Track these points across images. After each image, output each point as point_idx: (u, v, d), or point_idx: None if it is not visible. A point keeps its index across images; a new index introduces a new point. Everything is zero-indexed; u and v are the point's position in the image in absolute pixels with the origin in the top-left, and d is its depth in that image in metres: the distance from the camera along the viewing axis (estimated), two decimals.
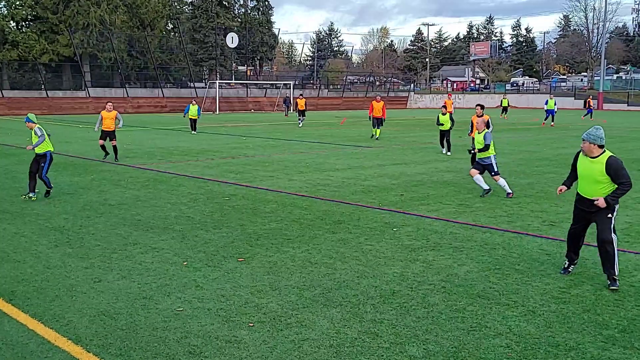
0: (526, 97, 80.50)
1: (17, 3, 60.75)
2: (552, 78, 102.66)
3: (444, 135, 22.23)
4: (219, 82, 62.89)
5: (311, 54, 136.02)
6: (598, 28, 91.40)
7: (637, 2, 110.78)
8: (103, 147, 19.97)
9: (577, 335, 6.07)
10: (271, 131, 34.60)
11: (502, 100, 46.87)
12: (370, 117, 28.85)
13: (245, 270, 8.13)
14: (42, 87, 58.07)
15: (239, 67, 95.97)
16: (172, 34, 79.60)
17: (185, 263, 8.45)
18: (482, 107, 16.41)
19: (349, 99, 73.76)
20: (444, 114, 21.69)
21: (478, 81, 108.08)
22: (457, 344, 5.84)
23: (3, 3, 60.22)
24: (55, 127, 35.87)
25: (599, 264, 8.45)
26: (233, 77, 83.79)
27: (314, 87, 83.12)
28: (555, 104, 39.45)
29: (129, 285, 7.50)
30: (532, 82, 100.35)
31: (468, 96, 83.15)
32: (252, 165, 18.95)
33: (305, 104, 38.03)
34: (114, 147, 19.79)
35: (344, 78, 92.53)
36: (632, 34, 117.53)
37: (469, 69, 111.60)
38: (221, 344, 5.84)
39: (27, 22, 62.93)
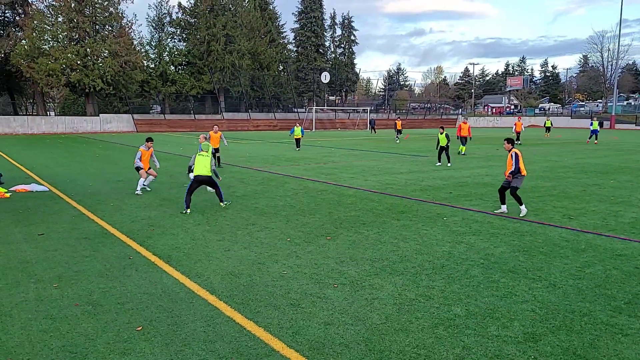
0: (552, 118, 76.35)
1: (176, 53, 63.60)
2: (573, 104, 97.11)
3: (443, 150, 20.19)
4: (315, 108, 63.42)
5: (383, 87, 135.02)
6: (612, 65, 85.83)
7: None
8: None
9: (589, 304, 5.74)
10: (353, 144, 34.56)
11: (545, 122, 44.21)
12: (458, 136, 25.86)
13: (332, 246, 8.17)
14: (191, 112, 60.57)
15: (330, 97, 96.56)
16: (282, 73, 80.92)
17: (289, 239, 8.59)
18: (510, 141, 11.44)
19: (411, 120, 72.50)
20: (441, 134, 20.25)
21: (512, 106, 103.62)
22: (492, 307, 5.65)
23: (166, 53, 63.10)
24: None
25: (609, 249, 7.95)
26: (325, 104, 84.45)
27: (385, 111, 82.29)
28: (598, 125, 35.70)
29: (249, 254, 7.70)
30: (556, 107, 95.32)
31: (504, 118, 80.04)
32: (338, 169, 19.00)
33: (400, 126, 36.02)
34: (218, 157, 19.31)
35: (408, 105, 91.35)
36: None
37: (506, 97, 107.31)
38: (313, 298, 5.90)
39: (182, 66, 65.75)
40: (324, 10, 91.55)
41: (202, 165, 10.91)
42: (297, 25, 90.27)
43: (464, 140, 25.63)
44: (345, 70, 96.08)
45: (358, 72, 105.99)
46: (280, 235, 8.87)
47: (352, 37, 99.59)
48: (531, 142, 35.54)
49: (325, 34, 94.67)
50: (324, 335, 4.97)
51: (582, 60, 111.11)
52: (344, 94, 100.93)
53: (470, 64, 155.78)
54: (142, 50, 61.10)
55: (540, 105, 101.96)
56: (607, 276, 6.70)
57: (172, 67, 63.48)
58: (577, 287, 6.29)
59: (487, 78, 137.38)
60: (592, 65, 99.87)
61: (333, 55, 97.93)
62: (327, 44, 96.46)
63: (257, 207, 11.46)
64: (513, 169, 10.52)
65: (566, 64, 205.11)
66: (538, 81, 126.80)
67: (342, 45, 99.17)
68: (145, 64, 61.15)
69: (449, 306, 5.67)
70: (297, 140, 28.90)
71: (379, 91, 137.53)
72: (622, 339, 4.88)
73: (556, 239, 8.60)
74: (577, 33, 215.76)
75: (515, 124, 34.27)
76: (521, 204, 10.60)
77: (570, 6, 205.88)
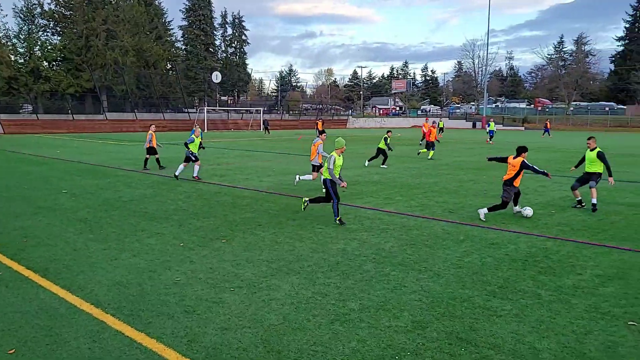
0: (431, 120, 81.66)
1: (49, 47, 58.70)
2: (450, 106, 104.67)
3: (380, 152, 20.81)
4: (206, 108, 61.98)
5: (276, 88, 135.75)
6: (482, 70, 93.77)
7: (509, 53, 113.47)
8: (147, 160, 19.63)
9: (469, 290, 6.22)
10: (247, 145, 34.32)
11: (438, 123, 46.89)
12: (427, 141, 24.84)
13: (227, 249, 8.05)
14: (69, 112, 56.18)
15: (222, 97, 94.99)
16: (171, 71, 77.98)
17: (182, 244, 8.32)
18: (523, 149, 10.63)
19: (304, 121, 73.57)
20: (389, 137, 20.87)
21: (398, 108, 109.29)
22: (384, 300, 5.92)
23: (38, 48, 58.03)
24: (80, 142, 34.76)
25: (484, 239, 8.68)
26: (217, 104, 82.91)
27: (278, 112, 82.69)
28: (494, 126, 38.65)
29: (138, 262, 7.34)
30: (436, 109, 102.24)
31: (391, 119, 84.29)
32: (232, 170, 18.76)
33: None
34: (157, 159, 19.42)
35: (300, 105, 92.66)
36: (505, 75, 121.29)
37: (391, 99, 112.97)
38: (209, 304, 5.77)
39: (57, 62, 60.81)
40: (213, 9, 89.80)
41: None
42: (185, 23, 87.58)
43: (431, 144, 24.68)
44: (237, 70, 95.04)
45: (250, 72, 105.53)
46: (173, 240, 8.56)
47: (244, 37, 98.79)
48: (416, 143, 37.65)
49: (215, 32, 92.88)
50: (221, 340, 4.89)
51: (457, 66, 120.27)
52: (236, 94, 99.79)
53: (359, 67, 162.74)
54: (9, 43, 55.59)
55: (422, 107, 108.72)
56: (482, 264, 7.32)
57: (45, 63, 58.48)
58: (458, 275, 6.81)
59: (375, 81, 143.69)
60: (466, 71, 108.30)
61: (224, 55, 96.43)
62: (217, 43, 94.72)
63: (147, 212, 10.96)
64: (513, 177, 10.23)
65: (444, 69, 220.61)
66: (420, 84, 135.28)
67: (234, 45, 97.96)
68: (13, 59, 55.72)
69: (344, 301, 5.85)
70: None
71: (272, 92, 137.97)
72: (497, 320, 5.37)
73: (439, 232, 9.22)
74: (453, 41, 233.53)
75: (423, 125, 35.41)
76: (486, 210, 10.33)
77: (446, 15, 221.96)
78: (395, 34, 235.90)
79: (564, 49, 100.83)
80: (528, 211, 10.55)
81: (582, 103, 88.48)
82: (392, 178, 16.66)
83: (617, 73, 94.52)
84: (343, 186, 9.87)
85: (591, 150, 11.55)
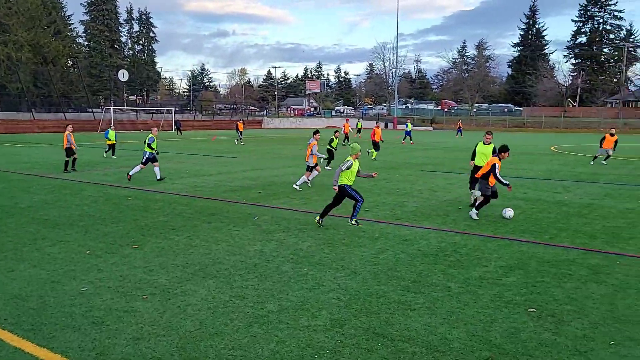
0: (375, 122, 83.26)
1: None
2: (363, 107, 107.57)
3: (330, 153, 20.43)
4: (113, 108, 59.01)
5: (188, 87, 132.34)
6: (392, 73, 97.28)
7: (417, 56, 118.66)
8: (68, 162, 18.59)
9: (384, 286, 6.42)
10: (159, 147, 33.08)
11: (357, 123, 47.66)
12: (372, 140, 24.89)
13: (138, 255, 7.71)
14: None
15: (130, 96, 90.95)
16: (73, 69, 73.36)
17: (88, 252, 7.85)
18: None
19: (218, 121, 72.22)
20: (337, 138, 20.58)
21: (312, 108, 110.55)
22: (302, 299, 5.95)
23: None
24: None
25: (397, 236, 8.99)
26: (125, 104, 79.21)
27: (191, 112, 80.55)
28: (411, 126, 39.77)
29: (39, 273, 6.83)
30: (350, 110, 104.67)
31: (306, 119, 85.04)
32: (143, 173, 18.00)
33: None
34: (74, 159, 18.75)
35: (214, 106, 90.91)
36: (414, 78, 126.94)
37: (306, 99, 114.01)
38: (120, 313, 5.50)
39: None
40: (118, 4, 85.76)
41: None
42: (87, 18, 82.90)
43: (376, 145, 24.74)
44: (145, 69, 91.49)
45: (160, 70, 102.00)
46: (78, 248, 8.05)
47: (152, 34, 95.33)
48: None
49: (121, 28, 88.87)
50: (134, 351, 4.67)
51: (369, 68, 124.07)
52: (145, 93, 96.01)
53: (273, 67, 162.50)
54: None
55: (337, 107, 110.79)
56: (396, 260, 7.59)
57: None
58: (374, 272, 7.00)
59: (289, 81, 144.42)
60: (377, 73, 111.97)
61: (131, 52, 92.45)
62: (123, 39, 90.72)
63: (48, 218, 10.23)
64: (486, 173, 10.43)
65: (356, 71, 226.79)
66: (333, 85, 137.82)
67: (141, 42, 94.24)
68: None
69: (262, 303, 5.81)
70: (112, 146, 24.64)
71: (184, 91, 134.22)
72: (411, 313, 5.58)
73: (355, 230, 9.42)
74: (365, 43, 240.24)
75: (344, 125, 36.71)
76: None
77: (357, 18, 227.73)
78: (309, 35, 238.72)
79: (466, 54, 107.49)
80: (509, 212, 10.54)
81: (484, 105, 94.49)
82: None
83: (514, 77, 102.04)
84: (334, 189, 9.61)
85: (486, 144, 11.99)
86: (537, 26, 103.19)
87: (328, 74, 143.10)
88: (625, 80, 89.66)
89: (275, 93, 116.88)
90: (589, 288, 6.40)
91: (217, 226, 9.67)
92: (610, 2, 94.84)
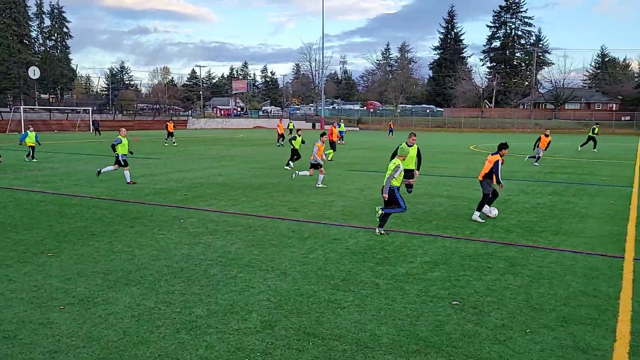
0: (274, 120, 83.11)
1: None
2: (291, 107, 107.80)
3: (295, 153, 20.22)
4: (23, 108, 55.24)
5: (106, 86, 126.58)
6: (319, 73, 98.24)
7: (343, 57, 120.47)
8: None
9: (314, 286, 6.46)
10: (75, 148, 31.37)
11: (289, 124, 47.18)
12: (329, 140, 24.24)
13: (55, 263, 7.27)
14: None
15: (42, 95, 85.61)
16: None
17: None
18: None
19: (140, 122, 69.53)
20: (299, 136, 20.43)
21: (239, 109, 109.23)
22: (232, 303, 5.86)
23: None
24: None
25: (326, 235, 9.09)
26: (36, 103, 74.46)
27: (110, 112, 77.02)
28: (344, 127, 40.27)
29: None
30: (277, 110, 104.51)
31: (233, 120, 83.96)
32: (58, 176, 17.01)
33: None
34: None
35: (135, 105, 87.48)
36: (340, 78, 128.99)
37: (232, 99, 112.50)
38: (34, 326, 5.15)
39: None
40: None
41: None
42: None
43: (333, 144, 24.24)
44: (59, 66, 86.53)
45: (75, 68, 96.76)
46: None
47: (65, 30, 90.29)
48: (261, 143, 38.04)
49: (30, 23, 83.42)
50: None
51: (295, 68, 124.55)
52: (59, 92, 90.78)
53: (198, 66, 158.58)
54: None
55: (263, 107, 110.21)
56: (326, 259, 7.66)
57: None
58: (304, 271, 7.03)
59: (214, 81, 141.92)
60: (304, 73, 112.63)
61: (43, 48, 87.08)
62: (34, 34, 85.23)
63: None
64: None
65: (283, 71, 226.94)
66: (260, 85, 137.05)
67: (54, 38, 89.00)
68: None
69: (190, 309, 5.66)
70: (32, 149, 22.64)
71: (102, 90, 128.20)
72: (340, 311, 5.66)
73: (284, 230, 9.42)
74: (291, 43, 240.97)
75: (278, 126, 36.29)
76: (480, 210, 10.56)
77: (283, 19, 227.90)
78: (234, 34, 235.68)
79: (390, 56, 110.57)
80: (494, 212, 10.72)
81: (407, 105, 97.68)
82: (236, 179, 16.60)
83: (435, 79, 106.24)
84: (384, 197, 9.11)
85: (410, 145, 11.96)
86: (455, 30, 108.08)
87: (254, 74, 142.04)
88: (536, 83, 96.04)
89: (201, 93, 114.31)
90: (506, 279, 6.78)
91: (140, 230, 9.32)
92: (521, 10, 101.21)
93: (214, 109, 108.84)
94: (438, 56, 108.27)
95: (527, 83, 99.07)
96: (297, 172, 15.69)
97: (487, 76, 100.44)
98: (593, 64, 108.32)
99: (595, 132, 31.21)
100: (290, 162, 19.91)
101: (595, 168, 21.28)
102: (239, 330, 5.13)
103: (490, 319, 5.48)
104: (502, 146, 10.59)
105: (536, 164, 22.36)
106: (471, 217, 10.59)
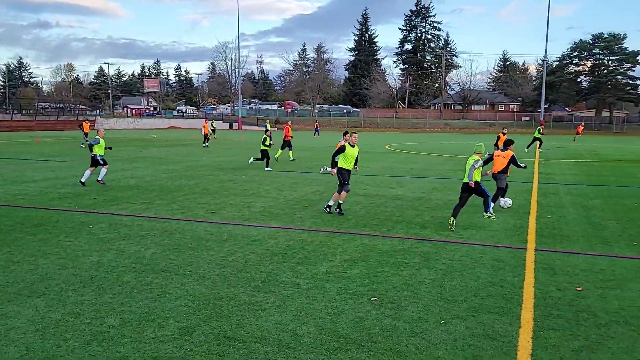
0: (190, 121, 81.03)
1: None
2: (207, 107, 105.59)
3: (264, 154, 19.98)
4: None
5: (2, 83, 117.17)
6: (235, 73, 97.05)
7: (259, 57, 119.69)
8: None
9: (234, 289, 6.37)
10: None
11: (212, 123, 45.28)
12: (284, 140, 24.11)
13: None
14: None
15: None
16: None
17: None
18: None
19: (42, 122, 65.02)
20: (269, 137, 19.95)
21: (152, 108, 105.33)
22: (147, 310, 5.64)
23: None
24: None
25: (246, 237, 9.00)
26: None
27: (7, 111, 71.35)
28: (269, 127, 39.15)
29: None
30: (192, 110, 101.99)
31: (145, 120, 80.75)
32: None
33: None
34: None
35: (36, 104, 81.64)
36: (257, 78, 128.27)
37: (144, 98, 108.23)
38: None
39: None
40: None
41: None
42: None
43: (288, 144, 23.98)
44: None
45: None
46: None
47: None
48: (176, 144, 36.89)
49: None
50: None
51: (211, 67, 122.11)
52: None
53: (106, 63, 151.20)
54: None
55: (178, 107, 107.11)
56: (246, 261, 7.58)
57: None
58: (223, 275, 6.90)
59: (124, 79, 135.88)
60: (219, 72, 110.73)
61: None
62: None
63: None
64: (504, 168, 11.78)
65: (198, 70, 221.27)
66: (174, 84, 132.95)
67: None
68: None
69: (101, 319, 5.37)
70: None
71: None
72: (262, 313, 5.62)
73: (202, 234, 9.20)
74: (205, 42, 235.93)
75: (203, 126, 35.23)
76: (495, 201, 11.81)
77: (197, 16, 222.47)
78: (145, 31, 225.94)
79: (307, 56, 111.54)
80: (509, 202, 11.87)
81: (324, 106, 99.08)
82: (150, 181, 15.99)
83: (351, 80, 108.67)
84: (470, 184, 9.99)
85: (353, 146, 11.48)
86: (369, 33, 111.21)
87: (167, 72, 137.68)
88: (445, 85, 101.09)
89: (109, 91, 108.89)
90: (422, 274, 7.07)
91: (44, 238, 8.71)
92: (430, 14, 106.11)
93: (125, 109, 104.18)
94: (353, 57, 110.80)
95: (437, 85, 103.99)
96: (324, 166, 17.67)
97: (400, 78, 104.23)
98: (496, 67, 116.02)
99: (540, 132, 32.96)
100: (267, 163, 19.95)
101: None
102: (155, 339, 4.94)
103: (407, 313, 5.68)
104: (510, 142, 11.99)
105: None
106: (484, 213, 10.81)
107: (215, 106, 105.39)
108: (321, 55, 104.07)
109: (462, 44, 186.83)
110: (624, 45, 78.72)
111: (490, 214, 10.75)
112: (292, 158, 23.87)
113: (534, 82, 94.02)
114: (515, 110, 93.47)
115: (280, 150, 24.09)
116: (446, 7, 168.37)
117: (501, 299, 6.13)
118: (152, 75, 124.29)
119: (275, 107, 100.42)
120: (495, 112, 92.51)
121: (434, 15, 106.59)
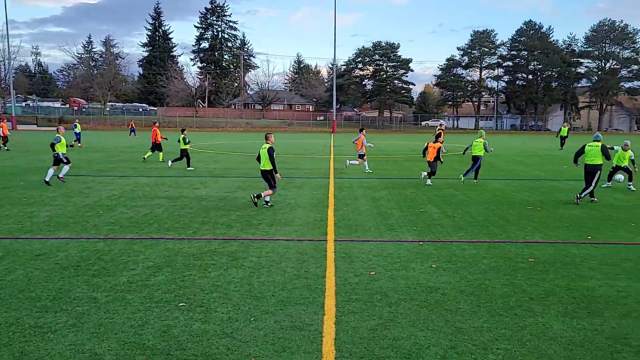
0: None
1: None
2: None
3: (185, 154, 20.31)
4: None
5: None
6: (5, 65, 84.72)
7: (35, 48, 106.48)
8: None
9: (15, 312, 5.57)
10: None
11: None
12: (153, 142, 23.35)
13: None
14: None
15: None
16: None
17: None
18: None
19: None
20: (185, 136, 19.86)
21: None
22: None
23: None
24: None
25: (28, 251, 7.94)
26: None
27: None
28: (79, 127, 34.66)
29: None
30: None
31: None
32: None
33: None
34: None
35: None
36: (34, 72, 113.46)
37: None
38: None
39: None
40: None
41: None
42: None
43: (158, 146, 23.46)
44: None
45: None
46: None
47: None
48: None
49: None
50: None
51: None
52: None
53: None
54: None
55: None
56: (29, 279, 6.68)
57: None
58: (0, 297, 5.98)
59: None
60: None
61: None
62: None
63: None
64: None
65: None
66: None
67: None
68: None
69: None
70: None
71: None
72: (52, 336, 5.01)
73: None
74: None
75: (2, 126, 30.08)
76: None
77: None
78: None
79: (93, 49, 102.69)
80: (620, 176, 15.30)
81: (117, 104, 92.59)
82: None
83: (146, 77, 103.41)
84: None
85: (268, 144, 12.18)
86: (163, 28, 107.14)
87: None
88: (244, 85, 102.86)
89: None
90: (230, 273, 7.08)
91: None
92: (226, 13, 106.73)
93: None
94: (147, 53, 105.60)
95: (237, 84, 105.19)
96: (348, 161, 20.07)
97: (199, 76, 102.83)
98: (291, 69, 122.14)
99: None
100: (189, 162, 20.50)
101: (299, 163, 23.99)
102: None
103: (217, 315, 5.63)
104: (438, 136, 18.00)
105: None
106: (425, 182, 16.24)
107: None
108: (110, 49, 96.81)
109: (258, 45, 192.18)
110: (399, 53, 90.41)
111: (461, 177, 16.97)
112: (160, 159, 23.38)
113: (326, 84, 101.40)
114: (310, 110, 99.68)
115: (149, 152, 23.81)
116: (242, 8, 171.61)
117: (306, 290, 6.47)
118: None
119: (58, 104, 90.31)
120: (293, 111, 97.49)
121: (229, 15, 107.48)
